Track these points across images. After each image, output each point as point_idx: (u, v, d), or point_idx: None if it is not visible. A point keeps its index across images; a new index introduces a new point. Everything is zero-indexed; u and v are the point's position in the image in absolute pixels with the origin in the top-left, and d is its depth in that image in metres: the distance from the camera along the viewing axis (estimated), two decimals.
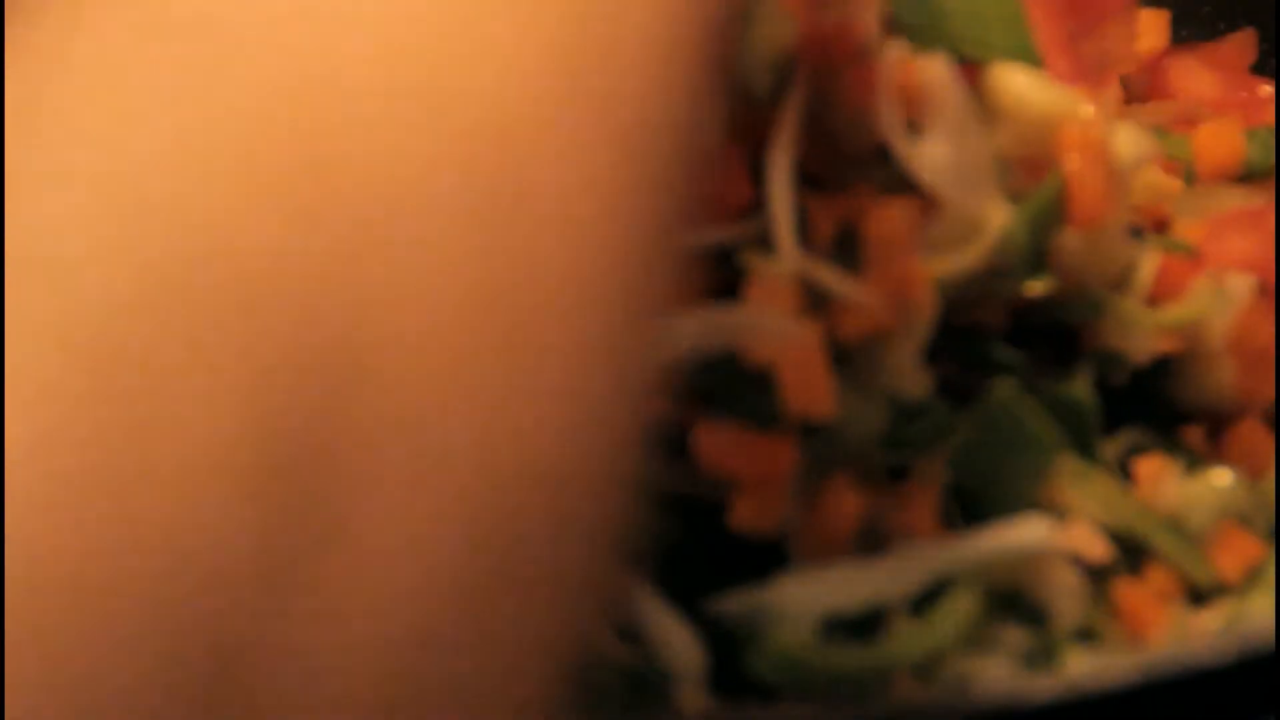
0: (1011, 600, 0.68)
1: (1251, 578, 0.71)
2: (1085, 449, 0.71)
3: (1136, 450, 0.73)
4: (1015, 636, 0.68)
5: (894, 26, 0.78)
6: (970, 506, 0.70)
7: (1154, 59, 0.88)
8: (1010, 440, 0.70)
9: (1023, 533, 0.68)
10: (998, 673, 0.67)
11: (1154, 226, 0.79)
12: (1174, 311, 0.75)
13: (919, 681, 0.66)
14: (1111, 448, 0.73)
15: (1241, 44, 0.90)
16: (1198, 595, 0.71)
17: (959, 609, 0.67)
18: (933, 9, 0.78)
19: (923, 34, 0.77)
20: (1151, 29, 0.89)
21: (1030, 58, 0.77)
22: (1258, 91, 0.88)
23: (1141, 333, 0.74)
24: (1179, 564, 0.71)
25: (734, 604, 0.67)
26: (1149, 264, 0.76)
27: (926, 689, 0.66)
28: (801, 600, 0.67)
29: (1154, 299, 0.76)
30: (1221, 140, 0.82)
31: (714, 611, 0.67)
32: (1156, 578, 0.71)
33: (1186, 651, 0.62)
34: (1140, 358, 0.74)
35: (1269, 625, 0.63)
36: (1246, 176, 0.82)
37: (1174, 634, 0.69)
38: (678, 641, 0.67)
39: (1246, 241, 0.77)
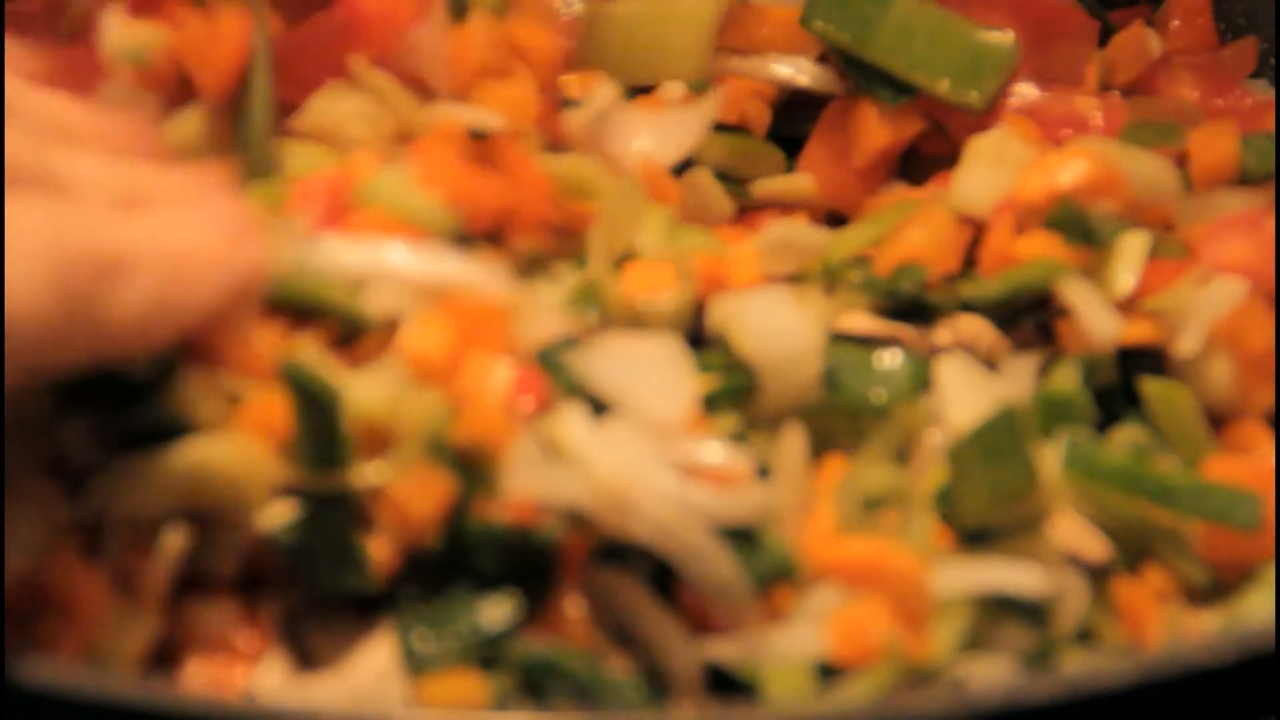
0: (1011, 600, 0.68)
1: (1250, 578, 0.71)
2: (1080, 446, 0.72)
3: (1134, 448, 0.74)
4: (1015, 636, 0.68)
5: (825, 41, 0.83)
6: (961, 510, 0.71)
7: (1151, 67, 0.89)
8: (994, 437, 0.70)
9: (1016, 579, 0.68)
10: (998, 673, 0.67)
11: (1158, 225, 0.80)
12: (1151, 301, 0.76)
13: (919, 684, 0.66)
14: (1110, 446, 0.73)
15: (1241, 51, 0.91)
16: (1196, 595, 0.72)
17: (954, 627, 0.67)
18: (861, 25, 0.81)
19: (853, 48, 0.83)
20: (1149, 39, 0.90)
21: (965, 78, 0.82)
22: (1256, 97, 0.88)
23: (1102, 314, 0.75)
24: (1178, 564, 0.71)
25: (729, 650, 0.67)
26: (1130, 253, 0.77)
27: (927, 690, 0.66)
28: (795, 646, 0.67)
29: (1142, 294, 0.77)
30: (1216, 144, 0.82)
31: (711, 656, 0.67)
32: (1155, 578, 0.71)
33: (1185, 651, 0.62)
34: (1108, 336, 0.75)
35: (1268, 625, 0.63)
36: (1242, 182, 0.83)
37: (1173, 634, 0.69)
38: (676, 641, 0.67)
39: (1244, 246, 0.77)
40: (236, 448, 0.66)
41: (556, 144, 0.81)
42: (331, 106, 0.78)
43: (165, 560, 0.66)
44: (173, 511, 0.66)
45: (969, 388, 0.73)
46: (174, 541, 0.66)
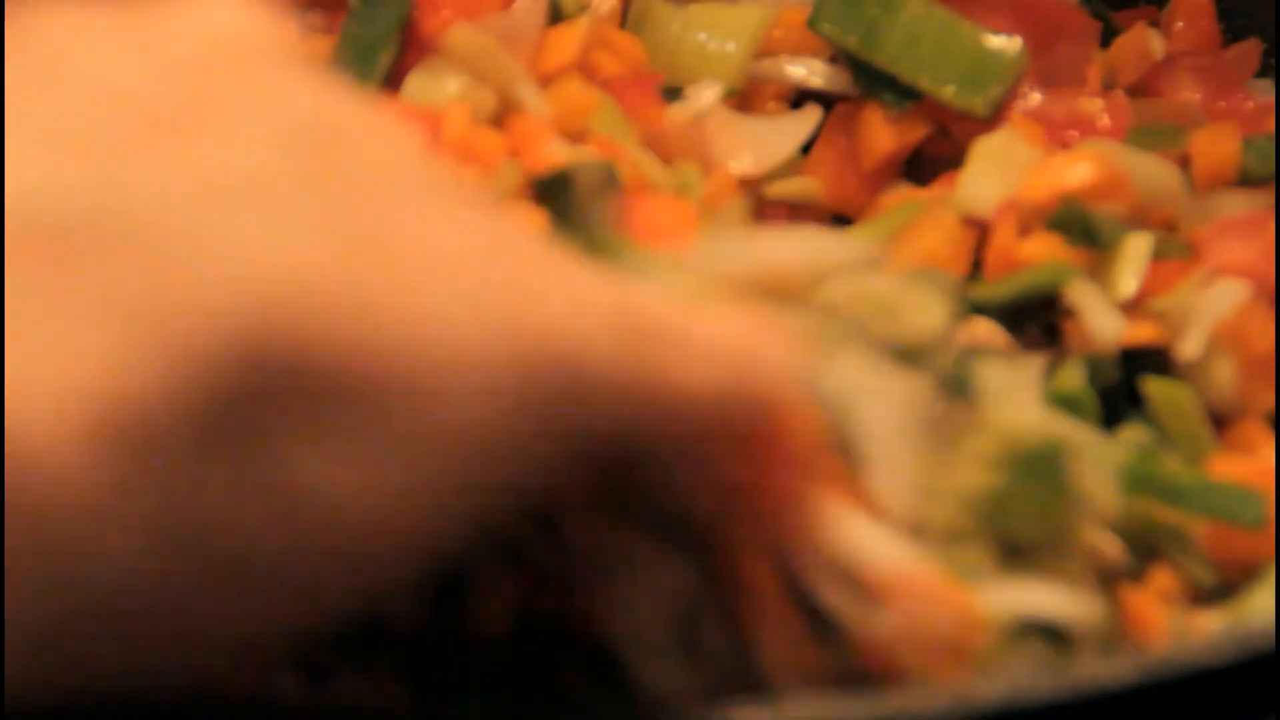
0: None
1: (1253, 577, 0.71)
2: (1083, 445, 0.71)
3: (1139, 448, 0.73)
4: (1036, 652, 0.68)
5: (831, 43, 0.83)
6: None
7: (1154, 69, 0.89)
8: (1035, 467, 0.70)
9: (1053, 603, 0.68)
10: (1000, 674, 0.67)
11: (1162, 227, 0.80)
12: (1155, 302, 0.76)
13: (920, 685, 0.66)
14: (1113, 446, 0.73)
15: (1244, 53, 0.91)
16: (1199, 595, 0.72)
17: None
18: (869, 28, 0.82)
19: (860, 51, 0.84)
20: (1153, 40, 0.91)
21: (970, 85, 0.82)
22: (1257, 99, 0.88)
23: (1106, 315, 0.75)
24: (1184, 564, 0.71)
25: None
26: (1133, 255, 0.77)
27: (927, 690, 0.66)
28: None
29: (1146, 295, 0.77)
30: (1218, 146, 0.83)
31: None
32: (1160, 578, 0.71)
33: (1187, 651, 0.62)
34: (1112, 337, 0.75)
35: (1269, 625, 0.63)
36: (1243, 183, 0.83)
37: (1176, 634, 0.69)
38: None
39: (1246, 248, 0.77)
40: None
41: (655, 139, 0.83)
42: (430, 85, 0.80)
43: None
44: None
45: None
46: None
